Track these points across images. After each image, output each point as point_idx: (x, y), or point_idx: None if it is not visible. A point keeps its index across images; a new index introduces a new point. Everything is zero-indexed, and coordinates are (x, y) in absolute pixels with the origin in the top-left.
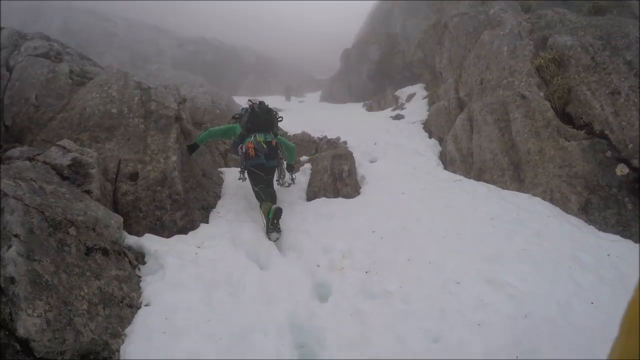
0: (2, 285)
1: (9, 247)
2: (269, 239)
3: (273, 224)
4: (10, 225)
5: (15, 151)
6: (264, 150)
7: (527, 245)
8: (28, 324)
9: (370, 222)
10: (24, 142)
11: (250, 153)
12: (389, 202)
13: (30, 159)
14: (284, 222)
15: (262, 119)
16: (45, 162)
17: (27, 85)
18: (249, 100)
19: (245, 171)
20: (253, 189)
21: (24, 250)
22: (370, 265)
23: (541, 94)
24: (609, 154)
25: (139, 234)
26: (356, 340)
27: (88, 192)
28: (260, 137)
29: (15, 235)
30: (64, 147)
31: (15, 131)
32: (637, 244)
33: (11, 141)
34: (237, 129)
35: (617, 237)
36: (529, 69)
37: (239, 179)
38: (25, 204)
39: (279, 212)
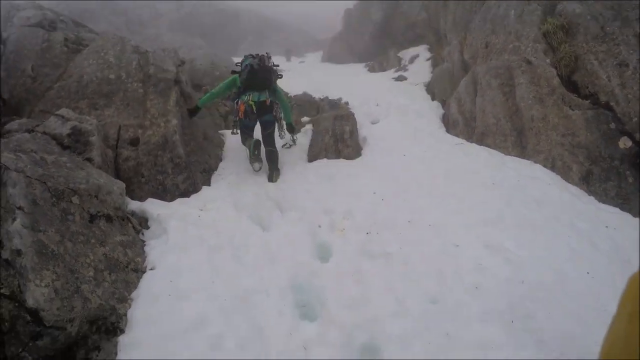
0: (9, 258)
1: (14, 219)
2: (253, 168)
3: (254, 155)
4: (13, 198)
5: (14, 124)
6: (253, 119)
7: (527, 212)
8: (37, 294)
9: (372, 183)
10: (22, 114)
11: (240, 115)
12: (391, 164)
13: (29, 131)
14: (285, 182)
15: (260, 76)
16: (44, 133)
17: (22, 56)
18: (250, 54)
19: (238, 129)
20: (242, 140)
21: (28, 221)
22: (370, 227)
23: (547, 60)
24: (613, 125)
25: (141, 199)
26: (356, 301)
27: (89, 159)
28: (254, 98)
29: (19, 208)
30: (63, 116)
31: (13, 104)
32: (636, 218)
33: (10, 114)
34: (237, 81)
35: (616, 210)
36: (536, 35)
37: (232, 132)
38: (27, 176)
39: (257, 143)
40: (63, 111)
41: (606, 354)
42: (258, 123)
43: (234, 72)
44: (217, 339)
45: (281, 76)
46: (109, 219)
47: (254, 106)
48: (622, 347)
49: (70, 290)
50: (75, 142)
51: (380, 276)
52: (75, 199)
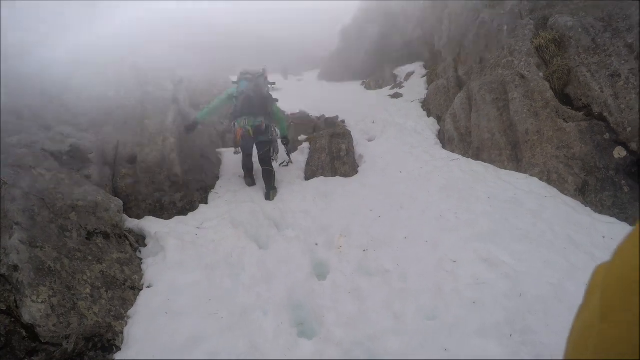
0: (6, 273)
1: (11, 235)
2: (246, 184)
3: (247, 177)
4: (11, 214)
5: (14, 139)
6: (250, 140)
7: (523, 225)
8: (33, 310)
9: (368, 200)
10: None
11: (238, 140)
12: (387, 181)
13: (29, 147)
14: (282, 200)
15: (255, 103)
16: (44, 149)
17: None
18: (245, 73)
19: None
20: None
21: (26, 237)
22: (368, 244)
23: (540, 74)
24: (607, 136)
25: (139, 216)
26: (354, 318)
27: (87, 176)
28: (250, 122)
29: (17, 223)
30: (62, 133)
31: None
32: (633, 227)
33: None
34: (233, 97)
35: (613, 220)
36: (528, 49)
37: (235, 152)
38: (26, 192)
39: (250, 175)
40: (62, 128)
41: (573, 354)
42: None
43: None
44: (213, 356)
45: (277, 100)
46: (106, 236)
47: (250, 131)
48: (595, 347)
49: (67, 307)
50: (73, 159)
51: (378, 293)
52: (72, 216)
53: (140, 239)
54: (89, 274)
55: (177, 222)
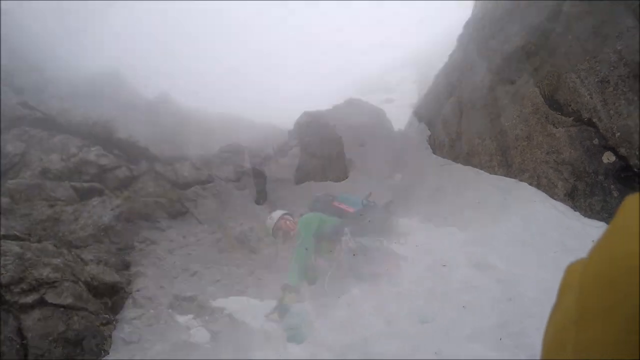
0: None
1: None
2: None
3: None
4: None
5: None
6: None
7: (515, 230)
8: (21, 312)
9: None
10: None
11: None
12: (376, 186)
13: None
14: (273, 205)
15: None
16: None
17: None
18: None
19: None
20: None
21: (14, 238)
22: (358, 248)
23: (531, 80)
24: (596, 141)
25: (130, 220)
26: (345, 322)
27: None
28: None
29: (6, 218)
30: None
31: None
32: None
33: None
34: None
35: (603, 224)
36: (519, 55)
37: None
38: (14, 192)
39: None
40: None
41: (547, 356)
42: None
43: None
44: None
45: None
46: (96, 239)
47: None
48: (573, 347)
49: (56, 310)
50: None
51: (369, 297)
52: (62, 220)
53: (130, 243)
54: (78, 277)
55: (167, 226)
